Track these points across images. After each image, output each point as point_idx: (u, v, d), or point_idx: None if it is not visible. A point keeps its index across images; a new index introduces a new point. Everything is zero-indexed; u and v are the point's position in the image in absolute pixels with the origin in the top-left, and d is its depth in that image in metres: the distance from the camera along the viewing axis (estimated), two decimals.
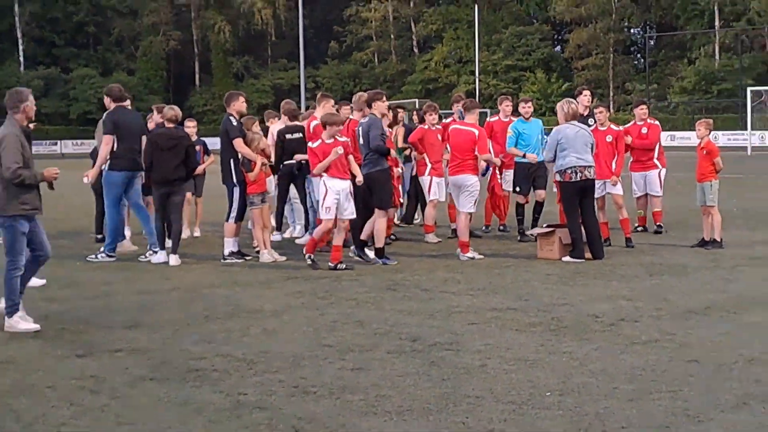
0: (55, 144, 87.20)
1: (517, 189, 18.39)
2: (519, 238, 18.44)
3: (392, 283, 14.02)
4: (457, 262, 15.87)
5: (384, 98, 16.46)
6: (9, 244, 11.13)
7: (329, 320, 11.49)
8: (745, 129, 65.02)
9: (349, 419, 7.64)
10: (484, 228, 20.08)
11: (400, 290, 13.45)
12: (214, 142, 18.59)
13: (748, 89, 67.36)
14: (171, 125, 16.40)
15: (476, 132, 16.36)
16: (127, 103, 17.41)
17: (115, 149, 16.70)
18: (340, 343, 10.32)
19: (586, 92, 18.81)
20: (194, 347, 10.23)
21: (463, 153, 16.34)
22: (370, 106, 16.21)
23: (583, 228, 15.94)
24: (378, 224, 15.78)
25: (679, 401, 8.01)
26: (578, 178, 15.77)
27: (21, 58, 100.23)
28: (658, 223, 19.41)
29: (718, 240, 17.13)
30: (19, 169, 10.85)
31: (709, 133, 17.29)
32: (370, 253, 15.93)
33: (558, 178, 16.00)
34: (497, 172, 19.13)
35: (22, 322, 11.06)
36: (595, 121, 17.45)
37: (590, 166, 15.87)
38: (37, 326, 11.06)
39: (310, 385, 8.66)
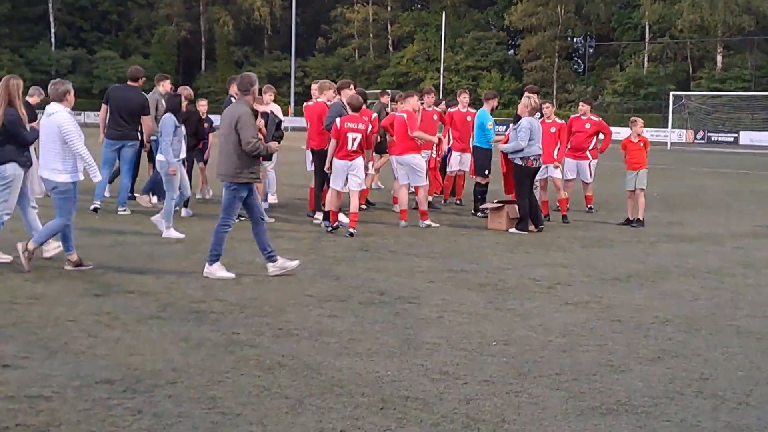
0: (79, 114, 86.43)
1: (486, 172, 18.21)
2: (475, 212, 18.30)
3: (364, 245, 14.00)
4: (419, 229, 15.86)
5: (351, 86, 16.31)
6: (228, 204, 11.25)
7: (311, 274, 11.47)
8: (667, 127, 65.13)
9: (325, 358, 7.64)
10: (443, 202, 20.08)
11: (371, 251, 13.44)
12: (218, 119, 18.45)
13: (671, 93, 67.61)
14: (186, 103, 16.34)
15: (405, 116, 16.19)
16: (139, 83, 17.30)
17: (107, 119, 17.10)
18: (319, 293, 10.30)
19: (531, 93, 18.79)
20: (195, 292, 10.20)
21: (403, 136, 16.16)
22: (339, 93, 16.10)
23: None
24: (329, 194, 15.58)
25: (605, 354, 8.03)
26: (536, 165, 15.85)
27: (53, 40, 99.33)
28: (589, 205, 19.46)
29: (641, 219, 17.24)
30: (257, 142, 11.02)
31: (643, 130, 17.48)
32: (344, 219, 15.80)
33: (519, 162, 15.83)
34: (434, 152, 18.94)
35: (221, 271, 11.14)
36: (542, 116, 17.42)
37: (541, 155, 15.97)
38: (232, 275, 11.12)
39: (294, 328, 8.65)
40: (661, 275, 12.11)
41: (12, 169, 11.25)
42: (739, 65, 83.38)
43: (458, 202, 20.19)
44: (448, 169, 20.06)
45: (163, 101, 17.34)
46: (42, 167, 11.24)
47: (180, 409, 6.26)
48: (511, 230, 15.93)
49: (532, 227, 15.89)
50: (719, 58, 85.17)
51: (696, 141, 69.20)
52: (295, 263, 11.48)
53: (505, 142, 16.26)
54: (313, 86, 17.63)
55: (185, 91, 16.50)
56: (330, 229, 15.16)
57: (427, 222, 16.19)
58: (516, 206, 16.14)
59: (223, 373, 7.12)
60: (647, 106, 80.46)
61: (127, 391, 6.63)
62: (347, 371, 7.26)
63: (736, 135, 68.78)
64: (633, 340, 8.56)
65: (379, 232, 15.50)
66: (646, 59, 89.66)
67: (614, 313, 9.67)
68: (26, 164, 11.46)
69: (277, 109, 19.78)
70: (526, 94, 16.73)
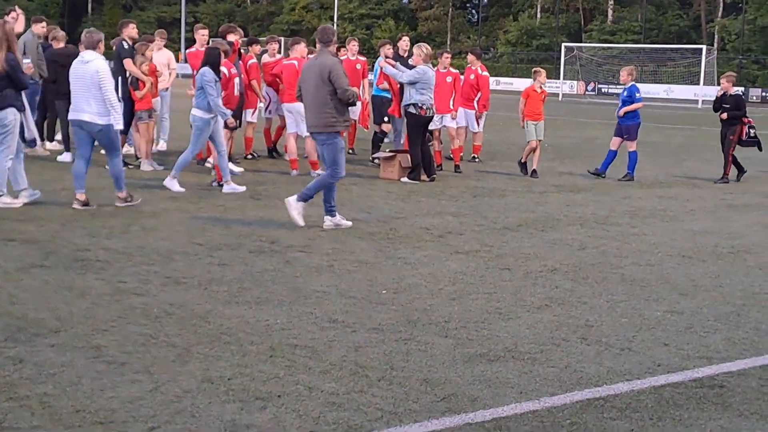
0: None
1: (386, 119, 18.13)
2: (372, 161, 18.25)
3: (255, 193, 13.92)
4: (310, 178, 15.76)
5: (236, 32, 16.22)
6: (332, 157, 11.28)
7: (200, 222, 11.37)
8: (558, 78, 65.87)
9: (214, 307, 7.60)
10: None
11: (262, 200, 13.37)
12: None
13: (562, 45, 68.33)
14: (62, 45, 16.02)
15: (295, 63, 16.07)
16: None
17: None
18: (209, 242, 10.23)
19: (405, 38, 18.84)
20: (80, 240, 10.03)
21: (292, 84, 15.95)
22: (224, 38, 15.90)
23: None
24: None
25: (493, 302, 8.15)
26: (430, 114, 15.84)
27: None
28: (474, 155, 19.62)
29: (536, 170, 17.48)
30: (352, 90, 11.26)
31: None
32: (234, 168, 15.70)
33: (413, 111, 15.77)
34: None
35: (343, 220, 11.51)
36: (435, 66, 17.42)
37: (433, 104, 15.98)
38: (349, 223, 11.50)
39: (182, 276, 8.58)
40: (550, 224, 12.30)
41: (12, 114, 11.64)
42: (628, 18, 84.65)
43: (350, 151, 20.14)
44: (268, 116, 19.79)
45: (39, 43, 17.00)
46: (80, 111, 11.77)
47: (63, 358, 6.17)
48: (403, 180, 15.98)
49: (424, 177, 15.96)
50: (610, 11, 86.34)
51: (587, 92, 70.09)
52: (349, 223, 11.52)
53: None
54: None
55: (61, 33, 16.23)
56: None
57: (318, 171, 16.11)
58: (408, 155, 16.18)
59: (108, 322, 7.03)
60: (540, 57, 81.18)
61: (9, 341, 6.51)
62: (236, 320, 7.23)
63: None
64: (521, 288, 8.70)
65: (270, 180, 15.42)
66: (538, 10, 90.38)
67: (503, 262, 9.80)
68: (21, 109, 11.91)
69: (170, 56, 19.50)
70: (417, 44, 16.69)
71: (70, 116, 11.99)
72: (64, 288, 8.03)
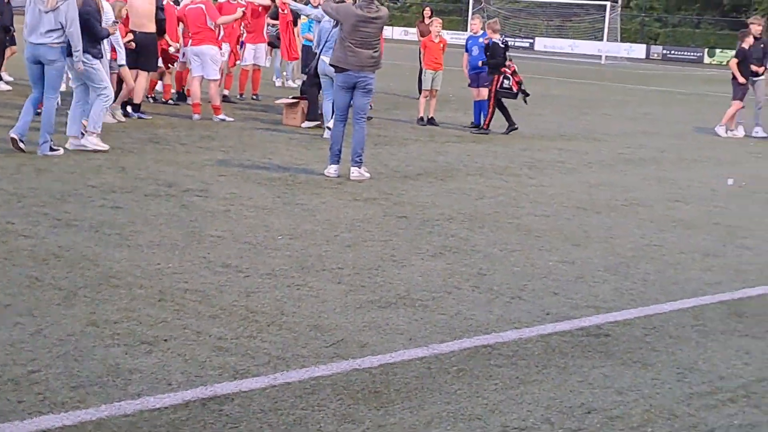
0: None
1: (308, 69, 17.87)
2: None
3: (155, 137, 13.68)
4: (212, 123, 15.58)
5: None
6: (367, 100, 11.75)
7: (95, 164, 11.13)
8: (465, 31, 65.99)
9: (104, 250, 7.43)
10: (239, 96, 19.76)
11: (162, 143, 13.14)
12: None
13: None
14: None
15: (203, 6, 15.74)
16: None
17: None
18: (103, 184, 10.01)
19: None
20: None
21: (199, 26, 15.70)
22: None
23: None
24: (138, 83, 15.23)
25: (389, 249, 8.12)
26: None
27: None
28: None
29: (433, 118, 17.55)
30: None
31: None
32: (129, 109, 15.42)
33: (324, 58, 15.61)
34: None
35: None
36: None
37: None
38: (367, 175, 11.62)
39: (73, 219, 8.38)
40: (450, 174, 12.31)
41: (89, 59, 11.80)
42: None
43: (254, 96, 19.90)
44: (241, 63, 19.67)
45: None
46: None
47: None
48: (303, 125, 15.85)
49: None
50: None
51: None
52: (368, 175, 11.45)
53: None
54: None
55: None
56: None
57: (221, 116, 15.91)
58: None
59: None
60: (448, 8, 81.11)
61: None
62: (126, 263, 7.09)
63: (531, 41, 70.32)
64: (417, 236, 8.69)
65: (171, 124, 15.16)
66: None
67: (401, 210, 9.78)
68: (98, 56, 12.14)
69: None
70: None
71: None
72: None
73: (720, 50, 65.46)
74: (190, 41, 15.88)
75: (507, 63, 16.86)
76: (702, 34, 71.04)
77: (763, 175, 13.97)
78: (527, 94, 17.02)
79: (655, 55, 67.38)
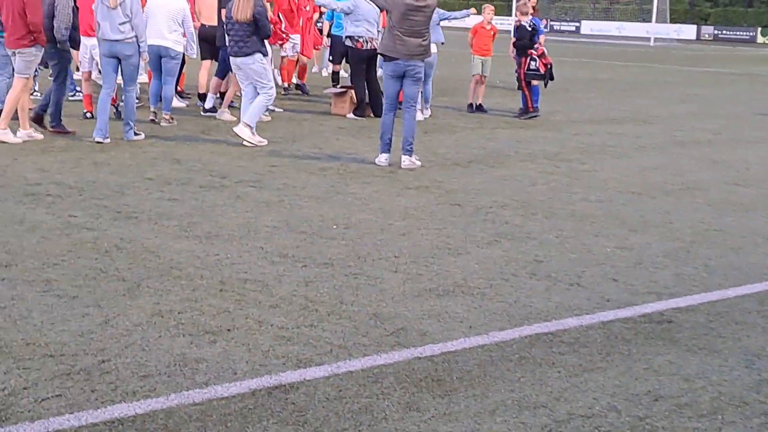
0: None
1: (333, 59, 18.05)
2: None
3: (206, 128, 13.82)
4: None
5: None
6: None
7: (151, 157, 11.28)
8: (510, 15, 65.75)
9: (164, 241, 7.55)
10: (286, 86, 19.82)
11: (213, 134, 13.28)
12: None
13: None
14: None
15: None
16: None
17: None
18: (159, 176, 10.15)
19: None
20: (31, 174, 9.92)
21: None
22: None
23: (367, 90, 15.94)
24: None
25: (443, 237, 8.16)
26: (367, 47, 15.67)
27: None
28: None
29: (482, 105, 17.58)
30: None
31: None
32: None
33: (349, 43, 15.82)
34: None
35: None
36: None
37: (376, 39, 15.72)
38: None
39: (132, 211, 8.51)
40: (500, 161, 12.33)
41: (259, 59, 12.57)
42: None
43: (302, 85, 19.96)
44: (284, 54, 19.72)
45: None
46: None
47: (14, 292, 6.11)
48: (348, 115, 15.92)
49: (370, 112, 15.85)
50: None
51: None
52: (419, 163, 11.56)
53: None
54: None
55: None
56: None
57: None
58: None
59: (58, 256, 6.97)
60: None
61: None
62: (186, 254, 7.19)
63: (578, 24, 69.94)
64: (471, 223, 8.72)
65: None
66: None
67: (454, 198, 9.81)
68: (266, 54, 12.85)
69: None
70: None
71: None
72: (15, 222, 7.94)
73: None
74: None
75: (535, 45, 16.86)
76: (754, 13, 70.28)
77: None
78: (552, 78, 17.05)
79: (706, 35, 66.75)
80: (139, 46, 12.12)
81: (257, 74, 12.55)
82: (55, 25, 12.15)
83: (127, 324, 5.61)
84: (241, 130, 12.41)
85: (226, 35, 12.82)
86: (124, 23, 11.94)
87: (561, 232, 8.51)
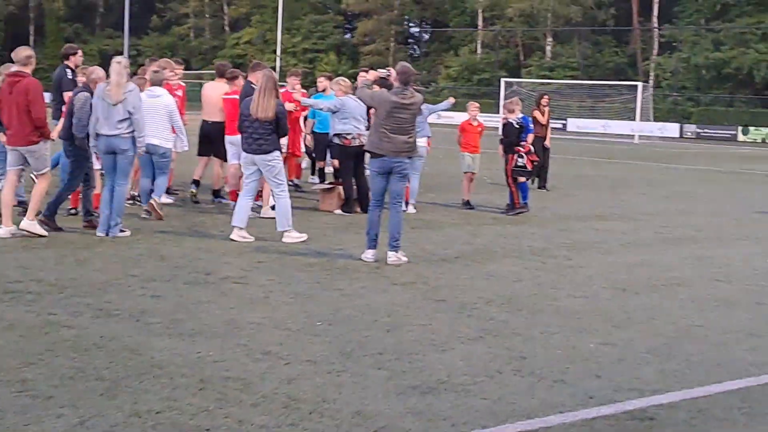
0: None
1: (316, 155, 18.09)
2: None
3: (193, 225, 13.79)
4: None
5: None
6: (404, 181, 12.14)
7: (135, 253, 11.22)
8: (498, 113, 66.33)
9: (146, 339, 7.46)
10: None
11: (200, 231, 13.24)
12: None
13: (502, 80, 68.78)
14: None
15: (237, 97, 15.74)
16: None
17: None
18: (143, 273, 10.08)
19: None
20: (11, 272, 9.83)
21: (234, 116, 15.74)
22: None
23: (355, 186, 15.97)
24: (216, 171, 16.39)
25: (428, 333, 8.09)
26: (355, 144, 15.74)
27: None
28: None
29: (469, 201, 17.63)
30: None
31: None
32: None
33: (337, 141, 15.91)
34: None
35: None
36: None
37: (363, 135, 15.75)
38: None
39: (114, 308, 8.43)
40: (487, 257, 12.30)
41: (278, 156, 12.79)
42: (566, 54, 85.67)
43: (293, 183, 19.99)
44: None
45: None
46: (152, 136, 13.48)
47: None
48: (336, 211, 15.93)
49: (358, 209, 15.85)
50: (548, 47, 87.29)
51: None
52: (405, 259, 11.50)
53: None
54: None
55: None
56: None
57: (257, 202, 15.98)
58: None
59: (36, 355, 6.87)
60: (480, 91, 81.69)
61: None
62: (167, 352, 7.10)
63: (564, 122, 70.47)
64: (456, 319, 8.66)
65: (208, 212, 15.29)
66: (479, 46, 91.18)
67: (439, 294, 9.76)
68: (282, 152, 13.24)
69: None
70: (335, 80, 16.97)
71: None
72: None
73: (754, 128, 65.47)
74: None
75: (522, 143, 17.01)
76: (735, 113, 71.13)
77: None
78: (537, 176, 17.26)
79: (689, 133, 67.35)
80: (136, 140, 12.29)
81: (275, 172, 12.67)
82: (73, 122, 12.26)
83: (104, 425, 5.50)
84: (289, 237, 12.62)
85: (242, 132, 12.82)
86: (123, 120, 12.11)
87: (546, 329, 8.45)
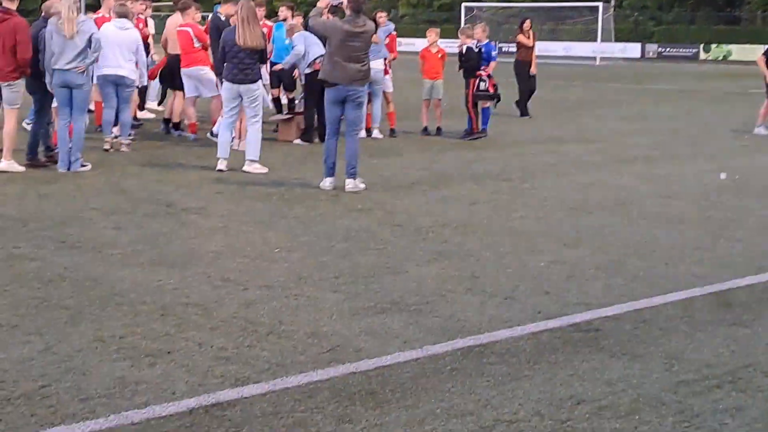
0: None
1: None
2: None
3: (153, 158, 13.91)
4: (208, 140, 15.67)
5: None
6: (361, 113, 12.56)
7: (96, 187, 11.37)
8: (458, 38, 66.22)
9: (108, 269, 7.66)
10: None
11: (160, 164, 13.37)
12: None
13: (462, 5, 68.53)
14: None
15: (190, 29, 15.84)
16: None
17: None
18: (104, 206, 10.25)
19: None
20: None
21: (189, 48, 15.81)
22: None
23: (317, 116, 16.04)
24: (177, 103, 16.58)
25: (383, 257, 8.34)
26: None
27: None
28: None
29: (440, 128, 17.76)
30: None
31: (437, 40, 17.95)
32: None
33: (308, 70, 15.75)
34: None
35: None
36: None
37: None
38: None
39: (76, 241, 8.62)
40: (444, 181, 12.53)
41: (258, 86, 12.98)
42: None
43: None
44: None
45: None
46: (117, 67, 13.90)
47: None
48: (295, 141, 16.06)
49: (317, 139, 15.92)
50: None
51: None
52: (363, 186, 11.69)
53: None
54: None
55: None
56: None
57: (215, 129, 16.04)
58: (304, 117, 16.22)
59: (1, 287, 7.06)
60: (441, 18, 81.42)
61: None
62: (129, 281, 7.32)
63: None
64: (411, 243, 8.90)
65: (167, 145, 15.39)
66: None
67: (396, 219, 10.00)
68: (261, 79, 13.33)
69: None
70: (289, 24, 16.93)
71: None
72: None
73: (716, 45, 65.70)
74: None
75: (482, 67, 17.13)
76: (697, 31, 71.15)
77: (756, 168, 14.18)
78: (499, 99, 17.43)
79: (651, 53, 67.54)
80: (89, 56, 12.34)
81: (257, 101, 12.87)
82: (41, 58, 12.30)
83: (68, 350, 5.73)
84: (252, 168, 12.76)
85: (226, 62, 12.80)
86: (79, 54, 12.18)
87: (499, 249, 8.71)
